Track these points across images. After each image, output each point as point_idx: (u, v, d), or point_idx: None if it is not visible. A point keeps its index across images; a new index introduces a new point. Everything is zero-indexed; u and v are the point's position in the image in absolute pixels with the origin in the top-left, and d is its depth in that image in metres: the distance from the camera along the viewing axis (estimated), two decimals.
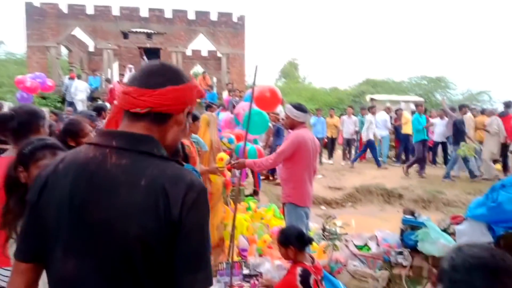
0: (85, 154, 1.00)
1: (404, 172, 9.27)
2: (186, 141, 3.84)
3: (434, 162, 10.91)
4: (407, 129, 10.33)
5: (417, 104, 9.74)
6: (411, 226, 4.19)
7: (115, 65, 18.86)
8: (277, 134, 8.38)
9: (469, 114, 9.54)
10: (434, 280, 1.05)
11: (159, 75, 1.03)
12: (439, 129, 9.80)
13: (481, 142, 9.08)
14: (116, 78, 15.85)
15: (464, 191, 7.68)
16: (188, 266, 0.96)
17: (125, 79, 13.82)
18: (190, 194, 0.97)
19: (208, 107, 9.16)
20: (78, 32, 17.81)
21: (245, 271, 3.66)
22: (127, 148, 0.98)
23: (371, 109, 10.90)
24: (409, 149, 10.60)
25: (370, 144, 10.54)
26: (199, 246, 0.99)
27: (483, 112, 10.35)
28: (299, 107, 3.63)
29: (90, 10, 16.81)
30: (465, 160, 8.52)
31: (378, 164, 10.45)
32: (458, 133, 8.52)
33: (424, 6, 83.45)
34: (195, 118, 3.98)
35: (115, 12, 17.07)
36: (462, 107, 9.39)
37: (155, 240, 0.93)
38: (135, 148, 0.99)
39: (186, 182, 0.99)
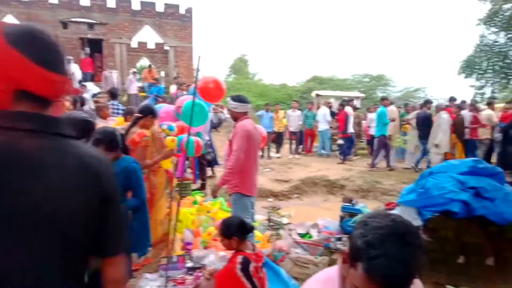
0: None
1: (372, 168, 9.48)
2: (147, 132, 3.73)
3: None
4: None
5: (383, 98, 10.18)
6: (349, 213, 4.42)
7: None
8: None
9: (392, 107, 10.01)
10: (346, 260, 1.04)
11: (62, 60, 1.03)
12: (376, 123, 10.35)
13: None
14: None
15: (399, 180, 8.21)
16: (116, 233, 1.11)
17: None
18: (110, 169, 1.09)
19: (154, 100, 8.93)
20: (11, 20, 16.37)
21: (189, 264, 3.63)
22: (44, 131, 0.98)
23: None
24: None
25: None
26: (121, 214, 1.14)
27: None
28: (236, 98, 3.67)
29: None
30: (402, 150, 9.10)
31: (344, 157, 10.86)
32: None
33: (367, 7, 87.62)
34: (153, 114, 3.88)
35: (53, 0, 15.94)
36: (426, 103, 9.72)
37: (88, 216, 1.01)
38: (51, 131, 0.99)
39: (105, 159, 1.10)
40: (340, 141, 11.14)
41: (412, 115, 9.66)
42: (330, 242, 4.19)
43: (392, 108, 9.91)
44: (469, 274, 3.27)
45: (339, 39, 74.72)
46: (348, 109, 11.01)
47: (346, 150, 10.85)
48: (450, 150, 8.95)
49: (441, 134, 8.61)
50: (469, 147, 8.80)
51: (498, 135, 8.40)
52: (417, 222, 3.69)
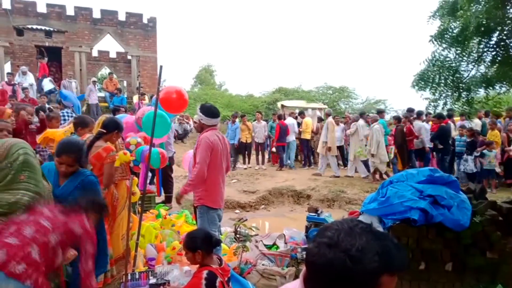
0: None
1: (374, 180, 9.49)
2: (112, 146, 3.56)
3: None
4: (306, 134, 11.43)
5: (380, 111, 10.60)
6: (315, 223, 4.46)
7: (7, 65, 16.67)
8: None
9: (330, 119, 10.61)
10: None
11: None
12: (337, 134, 10.68)
13: None
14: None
15: (362, 189, 8.45)
16: None
17: (16, 80, 12.33)
18: None
19: (116, 110, 8.65)
20: None
21: (152, 281, 3.49)
22: None
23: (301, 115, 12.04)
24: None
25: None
26: None
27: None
28: (206, 110, 3.61)
29: None
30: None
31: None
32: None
33: (331, 22, 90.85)
34: (119, 129, 3.73)
35: (6, 5, 15.17)
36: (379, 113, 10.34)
37: None
38: None
39: None
40: (273, 150, 11.89)
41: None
42: (297, 252, 4.20)
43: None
44: (429, 280, 3.39)
45: (304, 51, 76.68)
46: (289, 120, 11.59)
47: (283, 158, 11.38)
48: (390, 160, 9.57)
49: (375, 144, 9.07)
50: (409, 156, 9.33)
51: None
52: (379, 229, 3.78)
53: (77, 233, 1.58)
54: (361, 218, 4.03)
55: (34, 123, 4.61)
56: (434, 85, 5.67)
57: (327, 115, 11.13)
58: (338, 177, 9.81)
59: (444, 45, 5.01)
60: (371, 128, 9.37)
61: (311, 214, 4.68)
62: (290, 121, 11.62)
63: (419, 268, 3.37)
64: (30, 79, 12.68)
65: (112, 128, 3.65)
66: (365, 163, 9.72)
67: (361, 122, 9.90)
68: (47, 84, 13.08)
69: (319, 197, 8.39)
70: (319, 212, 4.71)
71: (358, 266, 0.87)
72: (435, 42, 5.04)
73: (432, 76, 5.49)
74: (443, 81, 5.62)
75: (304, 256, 4.21)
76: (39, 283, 1.51)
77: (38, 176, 2.25)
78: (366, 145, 9.39)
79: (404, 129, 9.29)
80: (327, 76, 68.28)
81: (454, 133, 9.59)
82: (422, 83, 5.68)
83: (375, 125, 9.24)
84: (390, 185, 3.91)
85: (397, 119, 9.81)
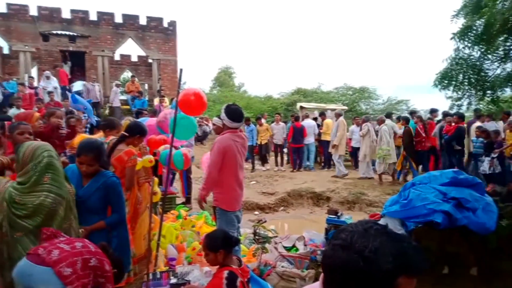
0: None
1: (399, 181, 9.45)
2: (134, 150, 3.64)
3: (356, 166, 11.65)
4: (326, 136, 11.20)
5: (412, 112, 10.62)
6: (335, 225, 4.41)
7: (34, 69, 17.31)
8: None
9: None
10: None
11: None
12: (357, 135, 10.58)
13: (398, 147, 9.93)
14: (36, 82, 14.56)
15: (384, 192, 8.31)
16: None
17: (40, 85, 12.75)
18: None
19: (139, 113, 8.82)
20: None
21: (173, 281, 3.54)
22: None
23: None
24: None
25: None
26: None
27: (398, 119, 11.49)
28: (229, 112, 3.61)
29: (2, 8, 15.31)
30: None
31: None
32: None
33: (349, 21, 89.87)
34: (142, 134, 3.82)
35: (33, 12, 15.74)
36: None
37: None
38: None
39: None
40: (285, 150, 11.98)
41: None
42: (317, 255, 4.17)
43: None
44: (454, 285, 3.31)
45: (322, 52, 76.01)
46: (307, 122, 11.48)
47: (296, 160, 11.39)
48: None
49: (384, 145, 9.05)
50: (419, 157, 9.23)
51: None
52: (401, 233, 3.71)
53: (107, 271, 1.65)
54: (382, 221, 3.98)
55: (64, 128, 4.74)
56: (457, 83, 5.55)
57: (338, 115, 10.99)
58: (343, 176, 9.85)
59: (467, 43, 4.89)
60: (380, 129, 9.38)
61: (331, 216, 4.64)
62: (308, 122, 11.53)
63: (442, 272, 3.29)
64: (54, 83, 13.12)
65: (135, 132, 3.70)
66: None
67: (389, 122, 9.80)
68: (77, 86, 13.46)
69: (339, 199, 8.31)
70: (339, 214, 4.66)
71: (372, 267, 0.86)
72: (458, 40, 4.92)
73: (455, 74, 5.37)
74: (466, 80, 5.49)
75: None
76: None
77: (61, 178, 2.34)
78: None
79: (416, 129, 9.15)
80: (346, 76, 67.73)
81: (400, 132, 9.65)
82: (445, 81, 5.56)
83: (382, 126, 9.27)
84: (413, 187, 3.84)
85: (405, 119, 9.69)
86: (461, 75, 5.37)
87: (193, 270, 3.74)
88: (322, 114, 12.27)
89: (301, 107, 15.08)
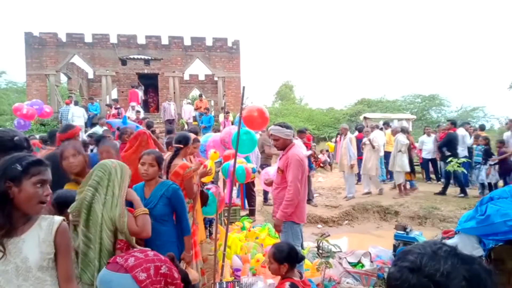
0: None
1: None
2: (187, 163, 3.83)
3: (427, 178, 10.94)
4: (389, 147, 10.34)
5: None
6: (403, 241, 4.20)
7: (114, 91, 19.18)
8: None
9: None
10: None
11: None
12: (428, 146, 9.93)
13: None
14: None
15: (459, 206, 7.68)
16: None
17: (128, 114, 13.79)
18: None
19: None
20: (77, 60, 18.17)
21: None
22: None
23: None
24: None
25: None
26: None
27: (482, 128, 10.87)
28: (285, 125, 3.71)
29: (88, 38, 17.21)
30: (455, 175, 8.67)
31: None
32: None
33: (415, 27, 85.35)
34: (186, 141, 3.98)
35: (113, 39, 17.47)
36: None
37: None
38: None
39: None
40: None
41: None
42: (384, 272, 4.01)
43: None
44: None
45: (387, 60, 73.12)
46: (374, 133, 10.46)
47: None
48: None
49: (399, 155, 8.74)
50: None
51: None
52: (478, 251, 3.43)
53: (176, 278, 1.77)
54: (457, 237, 3.71)
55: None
56: None
57: (345, 129, 9.36)
58: (353, 197, 9.12)
59: None
60: (395, 139, 8.99)
61: (399, 232, 4.43)
62: (378, 134, 11.05)
63: None
64: (139, 108, 14.65)
65: (184, 142, 3.72)
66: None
67: (461, 131, 9.39)
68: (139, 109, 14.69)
69: (409, 213, 7.85)
70: (408, 230, 4.43)
71: None
72: None
73: None
74: None
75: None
76: None
77: (105, 181, 2.38)
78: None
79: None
80: (413, 84, 63.92)
81: (469, 142, 9.49)
82: None
83: (399, 136, 8.88)
84: (491, 202, 3.52)
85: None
86: None
87: (257, 281, 3.80)
88: (386, 124, 11.75)
89: (365, 118, 14.61)
